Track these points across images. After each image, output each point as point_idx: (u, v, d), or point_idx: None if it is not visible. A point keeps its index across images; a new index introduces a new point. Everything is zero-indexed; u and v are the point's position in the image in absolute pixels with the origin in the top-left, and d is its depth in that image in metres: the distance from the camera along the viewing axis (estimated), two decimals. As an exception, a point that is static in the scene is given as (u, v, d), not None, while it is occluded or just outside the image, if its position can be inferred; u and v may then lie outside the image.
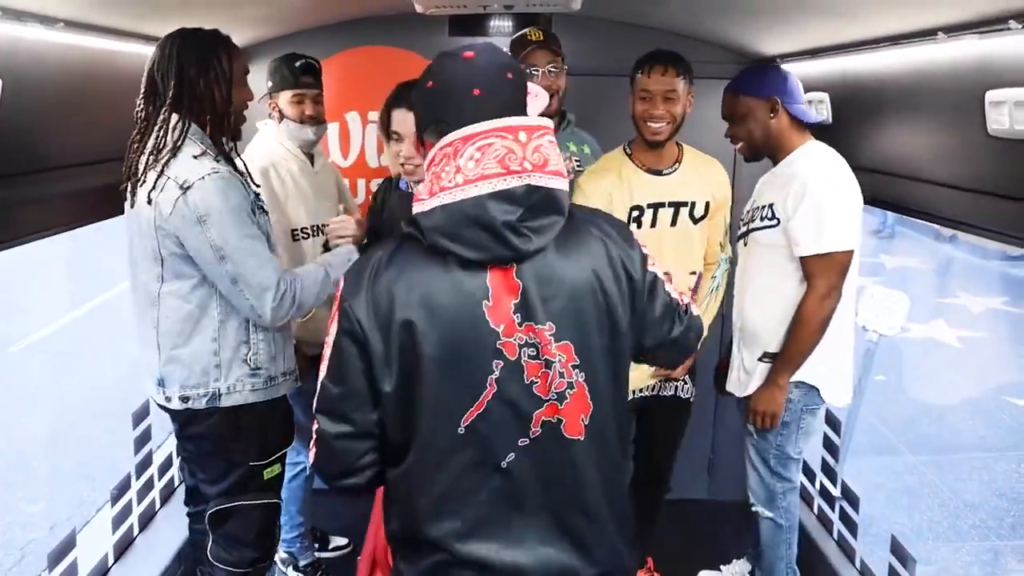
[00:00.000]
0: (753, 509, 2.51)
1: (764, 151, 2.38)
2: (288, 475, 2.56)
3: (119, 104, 2.06)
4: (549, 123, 1.27)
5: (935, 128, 1.96)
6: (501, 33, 3.20)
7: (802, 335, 2.24)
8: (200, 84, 1.89)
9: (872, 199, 2.29)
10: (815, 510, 3.10)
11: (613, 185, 2.35)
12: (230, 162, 1.96)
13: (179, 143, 1.87)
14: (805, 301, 2.23)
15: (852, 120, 2.41)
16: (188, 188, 1.83)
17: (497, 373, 1.26)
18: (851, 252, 2.22)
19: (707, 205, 2.41)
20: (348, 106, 3.19)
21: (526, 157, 1.21)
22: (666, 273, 1.46)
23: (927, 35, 1.86)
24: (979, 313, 8.15)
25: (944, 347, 7.12)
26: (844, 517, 2.84)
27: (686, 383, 2.56)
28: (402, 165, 2.09)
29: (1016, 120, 1.62)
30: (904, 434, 5.34)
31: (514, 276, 1.25)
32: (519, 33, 2.50)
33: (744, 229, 2.42)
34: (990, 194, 1.75)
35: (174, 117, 1.88)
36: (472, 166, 1.20)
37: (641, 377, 2.44)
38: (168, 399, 2.00)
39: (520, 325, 1.25)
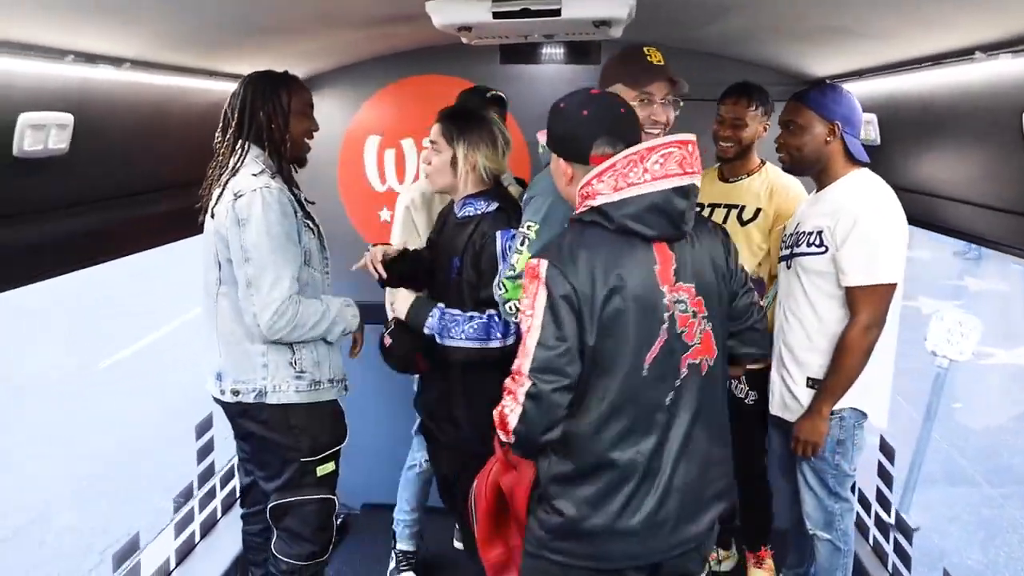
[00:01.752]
0: (811, 533, 2.47)
1: (807, 169, 2.37)
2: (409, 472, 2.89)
3: (185, 135, 2.23)
4: (694, 137, 1.65)
5: (975, 148, 1.92)
6: (552, 61, 3.28)
7: (846, 365, 2.23)
8: (260, 115, 2.14)
9: (916, 219, 2.25)
10: (870, 540, 3.00)
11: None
12: (288, 183, 2.17)
13: (239, 164, 2.11)
14: (849, 331, 2.22)
15: (897, 141, 2.37)
16: (240, 196, 2.06)
17: (667, 323, 1.61)
18: (895, 285, 2.19)
19: (757, 211, 2.71)
20: (404, 133, 3.31)
21: (693, 163, 1.62)
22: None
23: (965, 55, 1.83)
24: (1072, 339, 7.70)
25: (1031, 374, 6.77)
26: (898, 548, 2.75)
27: (741, 383, 2.78)
28: (428, 176, 2.31)
29: (1053, 140, 1.59)
30: (983, 464, 5.10)
31: (668, 248, 1.63)
32: (631, 48, 2.10)
33: (787, 252, 2.41)
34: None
35: (239, 144, 2.14)
36: (658, 168, 1.58)
37: None
38: (222, 392, 2.19)
39: (675, 284, 1.62)
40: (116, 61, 1.93)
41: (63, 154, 1.83)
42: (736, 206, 2.78)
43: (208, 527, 3.06)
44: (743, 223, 2.75)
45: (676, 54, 3.05)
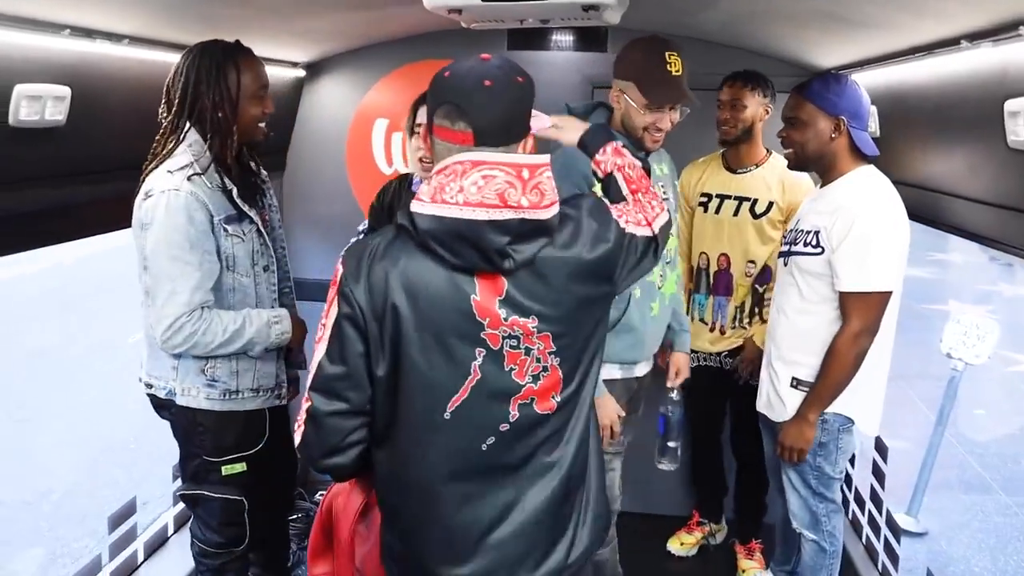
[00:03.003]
0: (797, 532, 2.45)
1: (813, 165, 2.32)
2: None
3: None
4: (547, 160, 1.37)
5: (963, 141, 1.89)
6: (560, 47, 3.30)
7: (834, 371, 2.19)
8: (204, 99, 1.97)
9: (913, 214, 2.21)
10: (863, 539, 2.97)
11: (697, 175, 2.95)
12: (228, 173, 2.03)
13: (167, 154, 1.97)
14: (839, 337, 2.18)
15: (896, 133, 2.33)
16: (149, 197, 1.93)
17: (480, 360, 1.37)
18: (890, 293, 2.15)
19: (770, 204, 2.80)
20: (412, 117, 3.35)
21: (524, 194, 1.32)
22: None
23: (953, 44, 1.80)
24: (1106, 348, 7.47)
25: (1061, 383, 6.59)
26: (888, 548, 2.72)
27: (742, 367, 2.93)
28: (420, 160, 2.21)
29: (1032, 131, 1.56)
30: (1000, 472, 4.99)
31: (500, 276, 1.36)
32: (654, 48, 2.10)
33: (786, 249, 2.39)
34: (1010, 209, 1.68)
35: (178, 129, 1.99)
36: (474, 191, 1.30)
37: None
38: (140, 379, 2.15)
39: (506, 319, 1.37)
40: (115, 37, 1.99)
41: (60, 125, 1.90)
42: (748, 199, 2.80)
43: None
44: (756, 216, 2.80)
45: (686, 43, 3.04)
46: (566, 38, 3.30)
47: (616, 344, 2.21)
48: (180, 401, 2.08)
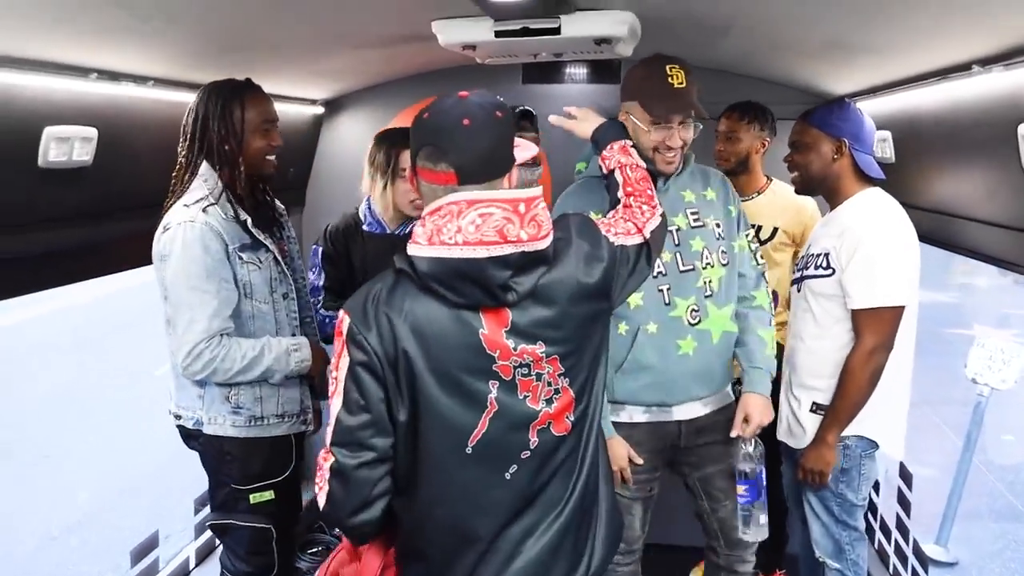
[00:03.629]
0: (820, 561, 2.41)
1: (818, 188, 2.34)
2: None
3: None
4: (540, 191, 1.39)
5: (978, 164, 1.89)
6: (574, 80, 3.34)
7: (850, 389, 2.17)
8: (211, 133, 2.04)
9: (927, 237, 2.21)
10: (890, 570, 2.91)
11: None
12: (241, 205, 2.08)
13: (184, 189, 2.05)
14: (853, 355, 2.16)
15: (911, 158, 2.34)
16: (167, 230, 2.00)
17: (495, 393, 1.38)
18: (902, 308, 2.14)
19: (775, 230, 2.80)
20: (428, 151, 3.40)
21: (523, 227, 1.34)
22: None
23: (964, 69, 1.81)
24: None
25: (1091, 407, 6.46)
26: (917, 577, 2.67)
27: None
28: (411, 202, 2.30)
29: (1045, 154, 1.56)
30: (1032, 500, 4.89)
31: (505, 308, 1.37)
32: (654, 63, 2.02)
33: (799, 275, 2.39)
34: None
35: (193, 164, 2.06)
36: (472, 230, 1.31)
37: None
38: (169, 411, 2.20)
39: (515, 349, 1.38)
40: (139, 79, 2.06)
41: (87, 166, 1.96)
42: (753, 226, 2.77)
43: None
44: (761, 242, 2.79)
45: (697, 73, 3.12)
46: (580, 71, 3.34)
47: (629, 383, 2.13)
48: (207, 430, 2.12)
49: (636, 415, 2.17)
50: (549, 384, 1.42)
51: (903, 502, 2.85)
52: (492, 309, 1.36)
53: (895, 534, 2.87)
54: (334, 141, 3.44)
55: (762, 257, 2.26)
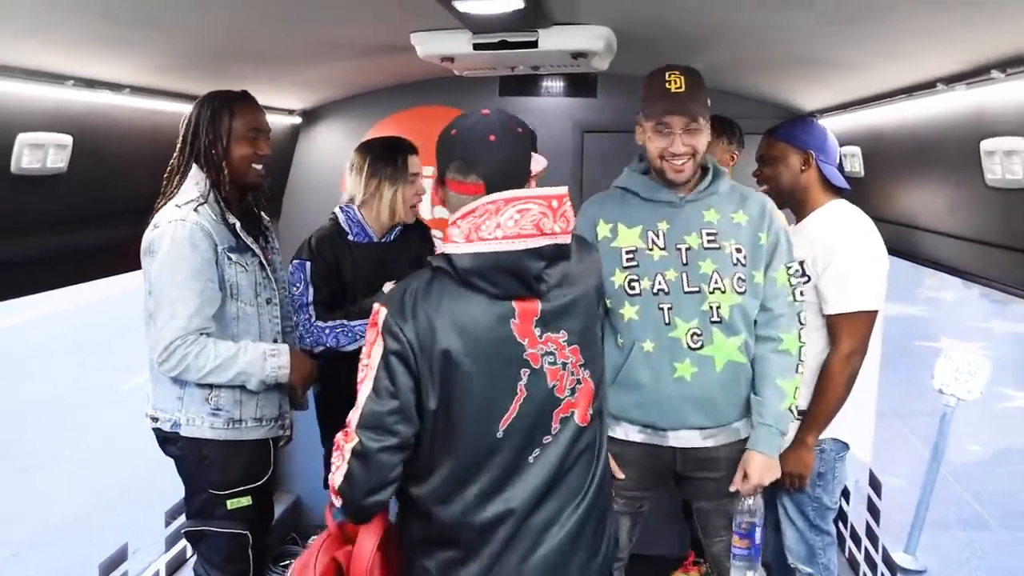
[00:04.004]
0: (792, 567, 2.44)
1: (787, 200, 2.40)
2: None
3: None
4: (567, 190, 1.51)
5: (943, 179, 1.95)
6: (550, 93, 3.38)
7: (828, 394, 2.23)
8: (201, 138, 2.10)
9: (896, 250, 2.27)
10: (861, 576, 2.96)
11: None
12: (229, 209, 2.12)
13: (175, 190, 2.09)
14: (831, 359, 2.23)
15: (877, 173, 2.40)
16: (156, 228, 2.03)
17: (525, 380, 1.49)
18: (876, 313, 2.21)
19: None
20: (405, 162, 3.41)
21: (556, 222, 1.47)
22: None
23: (929, 87, 1.87)
24: (1097, 383, 7.51)
25: (1054, 418, 6.61)
26: (886, 584, 2.71)
27: None
28: (412, 207, 2.41)
29: (1007, 169, 1.61)
30: (998, 509, 4.98)
31: (534, 299, 1.49)
32: (656, 71, 2.02)
33: None
34: (990, 244, 1.72)
35: (184, 168, 2.11)
36: (511, 225, 1.43)
37: None
38: (146, 415, 2.18)
39: (541, 337, 1.50)
40: (115, 87, 2.05)
41: (62, 173, 1.94)
42: None
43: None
44: None
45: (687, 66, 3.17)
46: (556, 84, 3.38)
47: (622, 398, 2.05)
48: (185, 432, 2.11)
49: (631, 434, 2.10)
50: (572, 374, 1.53)
51: (872, 510, 2.89)
52: (524, 299, 1.48)
53: (865, 541, 2.92)
54: (311, 152, 3.44)
55: (802, 294, 2.09)
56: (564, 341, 1.51)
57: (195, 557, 2.29)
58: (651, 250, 2.01)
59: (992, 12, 1.42)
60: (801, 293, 2.08)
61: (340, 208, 2.57)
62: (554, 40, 2.10)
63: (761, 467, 2.03)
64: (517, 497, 1.50)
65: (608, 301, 2.00)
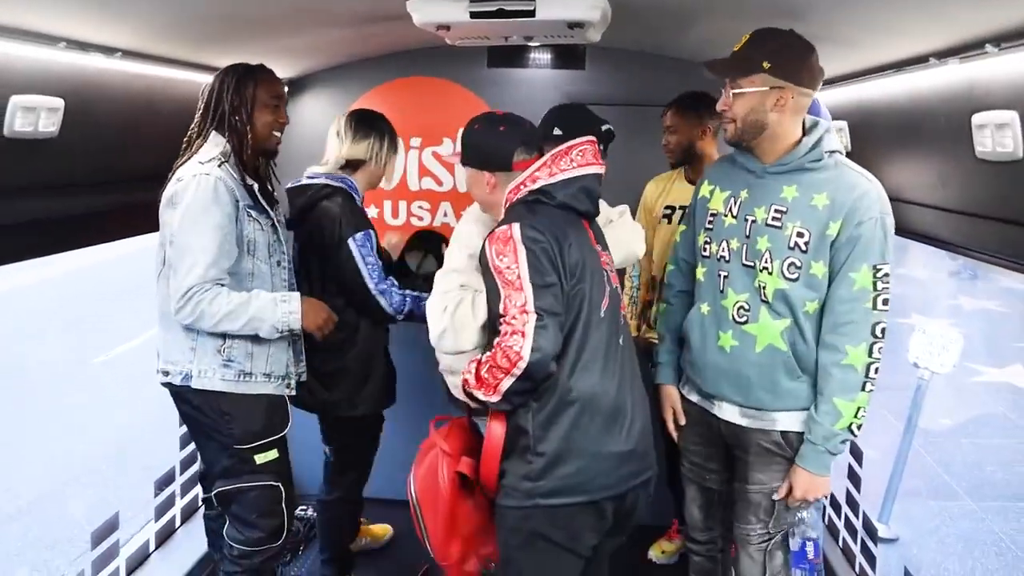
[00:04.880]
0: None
1: None
2: None
3: (172, 125, 2.30)
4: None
5: (933, 153, 1.98)
6: (537, 65, 3.36)
7: None
8: (225, 104, 2.18)
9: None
10: (840, 543, 3.04)
11: (661, 187, 2.99)
12: (248, 172, 2.20)
13: (196, 151, 2.16)
14: None
15: (866, 148, 2.43)
16: (180, 181, 2.11)
17: (606, 278, 1.91)
18: None
19: None
20: (393, 133, 3.39)
21: (599, 156, 1.95)
22: None
23: (921, 61, 1.90)
24: (1062, 359, 7.73)
25: (1020, 393, 6.80)
26: (865, 550, 2.80)
27: None
28: None
29: (998, 143, 1.65)
30: (966, 479, 5.13)
31: (588, 222, 1.97)
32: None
33: None
34: (980, 216, 1.77)
35: (204, 131, 2.19)
36: (580, 158, 1.90)
37: None
38: (157, 371, 2.22)
39: (601, 251, 1.95)
40: (107, 50, 2.01)
41: (53, 137, 1.91)
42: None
43: (189, 513, 3.11)
44: None
45: (654, 60, 3.19)
46: (544, 56, 3.37)
47: (684, 354, 2.17)
48: (196, 384, 2.15)
49: (690, 394, 2.18)
50: (608, 280, 1.92)
51: (853, 478, 2.97)
52: (587, 222, 1.95)
53: (845, 508, 3.00)
54: (297, 122, 3.39)
55: (885, 303, 1.86)
56: (607, 260, 1.95)
57: (226, 524, 2.33)
58: (726, 216, 2.02)
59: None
60: (884, 302, 1.86)
61: (336, 178, 2.56)
62: (551, 9, 2.08)
63: (805, 484, 1.95)
64: (616, 372, 1.86)
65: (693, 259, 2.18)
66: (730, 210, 2.00)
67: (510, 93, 3.29)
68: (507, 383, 1.76)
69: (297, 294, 2.24)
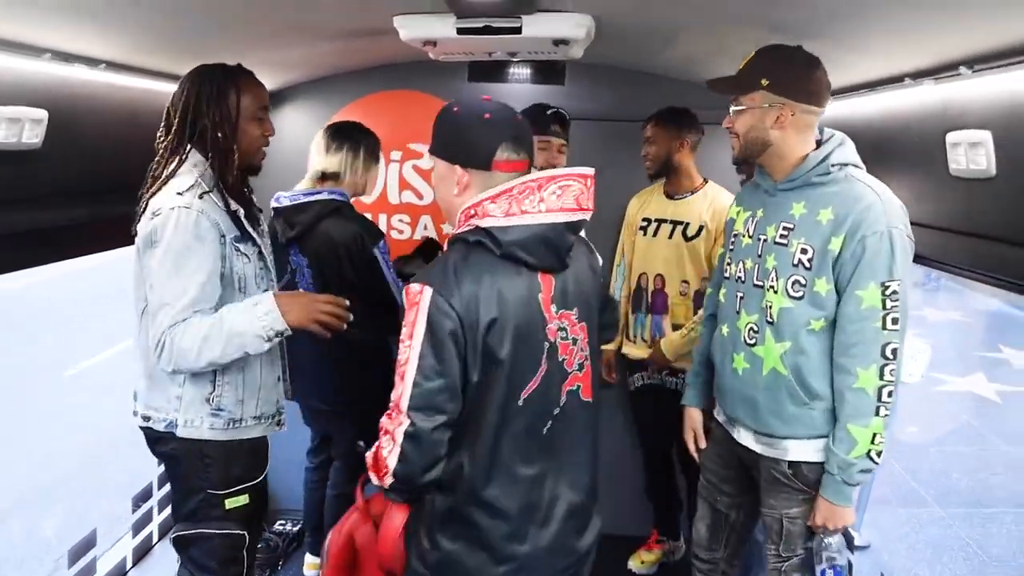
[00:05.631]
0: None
1: None
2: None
3: (155, 138, 2.28)
4: (594, 171, 1.60)
5: (908, 170, 2.04)
6: (517, 80, 3.39)
7: None
8: (204, 120, 1.92)
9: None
10: (816, 549, 3.09)
11: (642, 201, 3.08)
12: (232, 195, 1.98)
13: (171, 175, 1.91)
14: None
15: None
16: (157, 215, 1.85)
17: (546, 353, 1.56)
18: None
19: (700, 228, 2.91)
20: (374, 145, 3.40)
21: (589, 199, 1.57)
22: None
23: (896, 81, 1.96)
24: (1021, 368, 7.94)
25: (983, 401, 6.97)
26: (842, 556, 2.84)
27: (670, 375, 3.00)
28: None
29: (971, 160, 1.71)
30: (933, 487, 5.24)
31: (552, 274, 1.58)
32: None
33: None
34: (953, 231, 1.82)
35: (180, 150, 1.93)
36: (554, 199, 1.52)
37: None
38: (135, 413, 2.03)
39: (557, 312, 1.57)
40: (92, 61, 2.00)
41: (36, 148, 1.89)
42: (681, 222, 2.96)
43: (167, 529, 3.06)
44: (688, 239, 2.95)
45: (633, 76, 3.24)
46: (524, 71, 3.39)
47: (704, 371, 2.22)
48: (181, 433, 1.96)
49: (719, 414, 2.17)
50: (582, 350, 1.61)
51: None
52: (546, 274, 1.56)
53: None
54: (278, 134, 3.37)
55: (895, 323, 1.78)
56: (575, 318, 1.59)
57: (178, 567, 2.14)
58: (744, 236, 2.01)
59: (962, 11, 1.51)
60: (895, 321, 1.77)
61: (337, 192, 2.61)
62: (537, 27, 2.13)
63: (826, 513, 1.88)
64: (536, 465, 1.57)
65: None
66: (748, 230, 1.99)
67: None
68: (387, 481, 1.52)
69: (268, 293, 1.98)
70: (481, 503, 1.55)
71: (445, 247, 1.69)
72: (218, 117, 1.93)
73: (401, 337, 1.48)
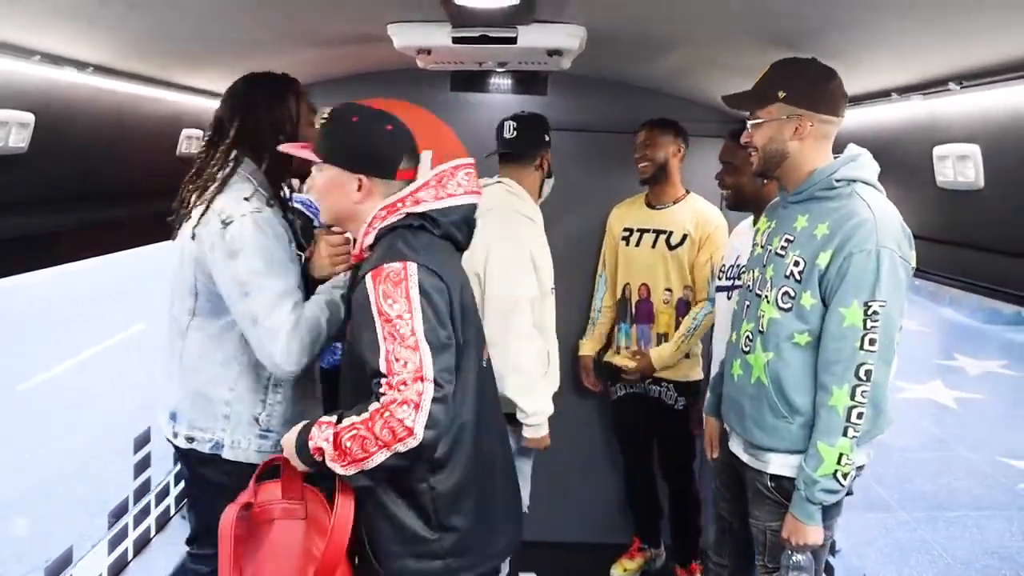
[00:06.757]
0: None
1: (749, 205, 2.50)
2: None
3: (143, 144, 2.24)
4: None
5: (896, 182, 2.10)
6: (499, 90, 3.41)
7: None
8: (264, 124, 1.91)
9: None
10: (796, 555, 3.13)
11: (623, 211, 3.14)
12: (283, 206, 1.98)
13: (228, 179, 1.88)
14: None
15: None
16: (229, 223, 1.82)
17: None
18: None
19: (684, 237, 2.97)
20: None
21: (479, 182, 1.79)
22: None
23: (884, 96, 2.02)
24: (977, 375, 8.21)
25: (941, 408, 7.17)
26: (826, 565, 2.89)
27: (670, 391, 3.04)
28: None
29: (959, 172, 1.77)
30: (897, 492, 5.37)
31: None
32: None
33: (729, 284, 2.55)
34: (939, 241, 1.88)
35: (233, 155, 1.91)
36: (466, 182, 1.73)
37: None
38: (175, 435, 1.95)
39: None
40: (80, 65, 1.95)
41: (22, 152, 1.83)
42: (665, 232, 3.01)
43: (141, 545, 2.98)
44: (671, 247, 3.00)
45: (615, 88, 3.28)
46: (506, 81, 3.41)
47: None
48: (227, 455, 1.90)
49: (724, 422, 2.17)
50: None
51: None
52: (459, 252, 1.78)
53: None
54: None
55: (872, 343, 1.76)
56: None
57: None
58: (756, 246, 2.05)
59: (952, 28, 1.56)
60: (871, 342, 1.75)
61: (298, 200, 2.53)
62: (532, 37, 2.13)
63: (791, 528, 1.85)
64: (496, 427, 1.80)
65: None
66: (761, 241, 2.03)
67: (471, 117, 3.32)
68: (380, 458, 1.50)
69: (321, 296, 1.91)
70: (477, 464, 1.67)
71: (367, 247, 1.70)
72: (280, 120, 1.93)
73: (388, 315, 1.52)
